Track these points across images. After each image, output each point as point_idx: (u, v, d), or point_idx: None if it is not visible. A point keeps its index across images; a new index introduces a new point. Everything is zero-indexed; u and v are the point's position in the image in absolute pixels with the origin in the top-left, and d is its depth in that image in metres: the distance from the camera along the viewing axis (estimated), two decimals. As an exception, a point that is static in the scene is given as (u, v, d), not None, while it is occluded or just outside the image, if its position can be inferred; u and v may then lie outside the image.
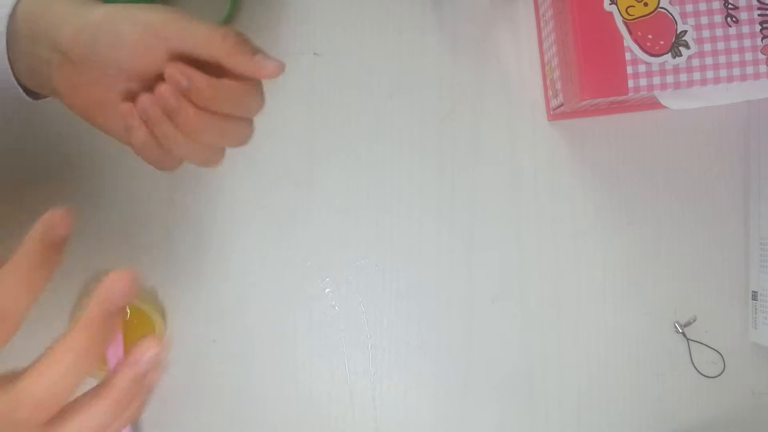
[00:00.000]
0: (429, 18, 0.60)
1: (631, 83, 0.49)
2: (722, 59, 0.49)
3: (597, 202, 0.60)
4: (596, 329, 0.60)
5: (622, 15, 0.49)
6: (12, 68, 0.41)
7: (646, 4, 0.49)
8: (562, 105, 0.55)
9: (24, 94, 0.43)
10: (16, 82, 0.42)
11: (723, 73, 0.49)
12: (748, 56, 0.49)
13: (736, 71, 0.49)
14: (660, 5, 0.49)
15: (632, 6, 0.49)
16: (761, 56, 0.49)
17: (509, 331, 0.59)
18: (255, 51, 0.40)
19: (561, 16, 0.52)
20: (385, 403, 0.59)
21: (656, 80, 0.49)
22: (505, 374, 0.59)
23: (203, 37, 0.39)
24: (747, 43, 0.49)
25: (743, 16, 0.49)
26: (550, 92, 0.59)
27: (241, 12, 0.59)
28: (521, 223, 0.60)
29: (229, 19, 0.59)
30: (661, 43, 0.49)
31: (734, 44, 0.49)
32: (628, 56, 0.49)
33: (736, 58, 0.49)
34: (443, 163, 0.60)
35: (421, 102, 0.60)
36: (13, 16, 0.40)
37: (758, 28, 0.49)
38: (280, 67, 0.39)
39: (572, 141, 0.60)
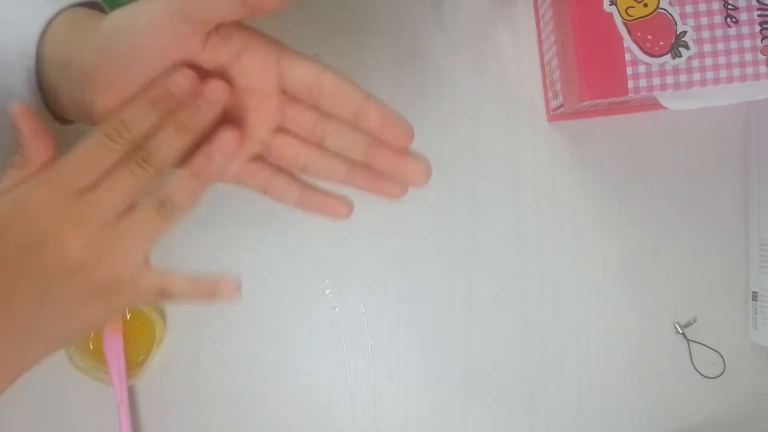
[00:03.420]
0: (429, 18, 0.60)
1: (630, 84, 0.49)
2: (722, 60, 0.49)
3: (597, 202, 0.60)
4: (596, 329, 0.60)
5: (621, 16, 0.49)
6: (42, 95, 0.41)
7: (645, 5, 0.49)
8: (561, 106, 0.55)
9: (52, 119, 0.42)
10: (45, 108, 0.41)
11: (723, 73, 0.49)
12: (748, 57, 0.49)
13: (736, 72, 0.49)
14: (660, 6, 0.49)
15: (632, 7, 0.49)
16: (761, 56, 0.49)
17: (509, 331, 0.59)
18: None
19: (561, 16, 0.52)
20: (386, 404, 0.59)
21: (656, 81, 0.49)
22: (505, 374, 0.59)
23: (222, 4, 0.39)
24: (747, 43, 0.49)
25: (743, 16, 0.48)
26: (549, 93, 0.59)
27: (241, 13, 0.59)
28: (521, 223, 0.60)
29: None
30: (661, 43, 0.49)
31: (734, 45, 0.48)
32: (627, 57, 0.49)
33: (735, 58, 0.49)
34: (443, 163, 0.60)
35: (420, 102, 0.60)
36: (41, 42, 0.39)
37: (758, 28, 0.49)
38: None
39: (572, 142, 0.60)
